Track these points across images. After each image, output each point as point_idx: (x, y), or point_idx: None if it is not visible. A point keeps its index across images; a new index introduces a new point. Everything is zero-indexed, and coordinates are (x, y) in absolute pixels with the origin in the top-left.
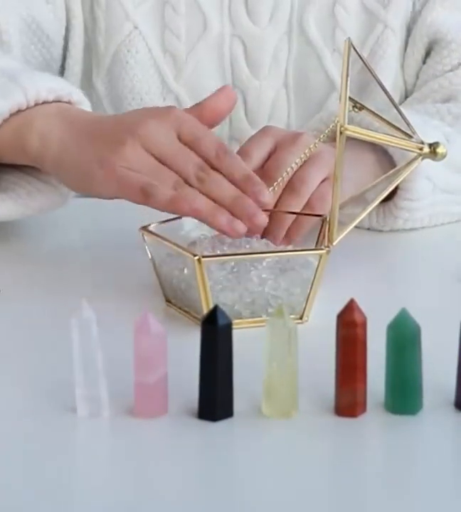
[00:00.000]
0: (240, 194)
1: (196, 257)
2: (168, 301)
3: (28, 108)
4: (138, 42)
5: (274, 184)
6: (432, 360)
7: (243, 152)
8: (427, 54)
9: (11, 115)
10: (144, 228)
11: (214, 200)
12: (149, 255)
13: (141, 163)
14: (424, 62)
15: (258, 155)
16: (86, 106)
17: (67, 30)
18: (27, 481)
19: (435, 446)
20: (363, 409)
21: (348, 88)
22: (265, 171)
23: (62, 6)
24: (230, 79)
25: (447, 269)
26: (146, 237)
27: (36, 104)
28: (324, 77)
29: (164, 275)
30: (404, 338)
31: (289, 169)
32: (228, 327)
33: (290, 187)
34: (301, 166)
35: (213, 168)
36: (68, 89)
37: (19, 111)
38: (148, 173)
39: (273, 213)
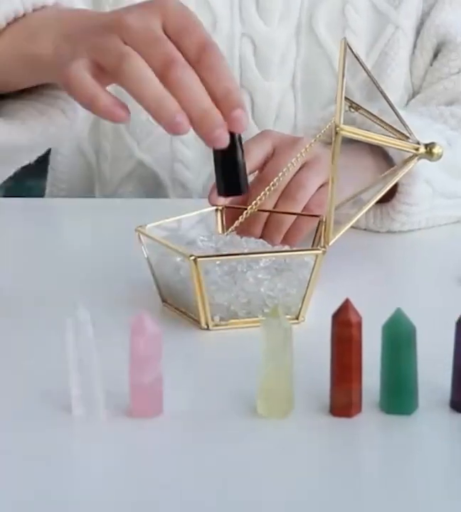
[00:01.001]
0: (209, 108)
1: (192, 258)
2: (164, 301)
3: (24, 15)
4: None
5: (267, 187)
6: (428, 360)
7: None
8: (435, 56)
9: (8, 24)
10: (140, 229)
11: (180, 105)
12: (145, 256)
13: (107, 48)
14: (431, 64)
15: (256, 156)
16: (80, 5)
17: None
18: (24, 481)
19: (430, 446)
20: (359, 409)
21: (344, 88)
22: (264, 174)
23: None
24: (238, 79)
25: (443, 270)
26: (142, 238)
27: (34, 10)
28: (332, 77)
29: (160, 275)
30: (399, 338)
31: (284, 170)
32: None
33: (287, 192)
34: (298, 171)
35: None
36: None
37: (15, 19)
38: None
39: (270, 217)
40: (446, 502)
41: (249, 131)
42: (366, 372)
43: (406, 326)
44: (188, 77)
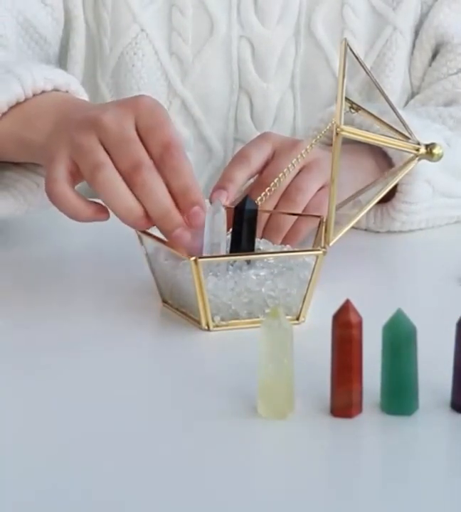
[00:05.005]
0: (169, 209)
1: (193, 258)
2: (164, 301)
3: (26, 100)
4: (145, 45)
5: (266, 189)
6: (428, 361)
7: (242, 156)
8: (433, 56)
9: (10, 108)
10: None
11: (144, 206)
12: (146, 256)
13: (84, 153)
14: (430, 65)
15: (257, 159)
16: (84, 95)
17: (67, 31)
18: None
19: (430, 446)
20: (359, 409)
21: (344, 88)
22: (264, 177)
23: (60, 7)
24: (236, 81)
25: (444, 270)
26: (142, 238)
27: (34, 95)
28: (331, 79)
29: (161, 275)
30: (400, 338)
31: (285, 171)
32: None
33: (287, 196)
34: (298, 173)
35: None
36: (66, 78)
37: (18, 103)
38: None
39: (270, 220)
40: (446, 502)
41: (248, 133)
42: (366, 372)
43: (407, 327)
44: (151, 180)
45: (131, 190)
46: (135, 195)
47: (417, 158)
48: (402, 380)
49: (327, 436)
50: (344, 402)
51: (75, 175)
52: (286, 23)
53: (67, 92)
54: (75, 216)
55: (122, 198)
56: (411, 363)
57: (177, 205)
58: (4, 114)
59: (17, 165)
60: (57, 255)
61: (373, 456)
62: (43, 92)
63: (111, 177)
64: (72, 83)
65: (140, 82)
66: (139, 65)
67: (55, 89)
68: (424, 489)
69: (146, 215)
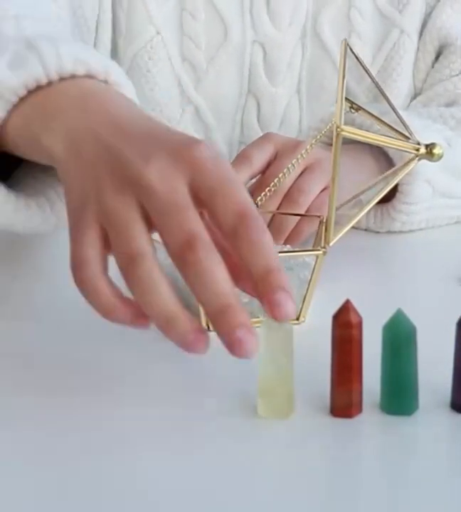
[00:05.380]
0: (229, 305)
1: None
2: None
3: (50, 84)
4: (160, 49)
5: (266, 189)
6: (428, 361)
7: (244, 156)
8: (436, 58)
9: (30, 92)
10: None
11: (194, 294)
12: None
13: (119, 228)
14: (432, 66)
15: (258, 159)
16: (128, 90)
17: (96, 25)
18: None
19: (430, 447)
20: (359, 409)
21: (344, 89)
22: (266, 178)
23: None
24: (246, 85)
25: (444, 270)
26: None
27: (61, 79)
28: (337, 81)
29: None
30: (400, 338)
31: (285, 171)
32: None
33: (289, 197)
34: (300, 175)
35: (221, 243)
36: (105, 63)
37: (39, 87)
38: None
39: (273, 220)
40: (446, 502)
41: (254, 136)
42: (366, 372)
43: (407, 327)
44: (208, 261)
45: (180, 273)
46: (185, 280)
47: (417, 158)
48: (402, 380)
49: (327, 436)
50: (344, 402)
51: (107, 245)
52: (295, 27)
53: (105, 82)
54: (106, 315)
55: (163, 301)
56: (411, 363)
57: (253, 290)
58: (23, 99)
59: (38, 167)
60: (56, 255)
61: (373, 456)
62: (74, 76)
63: (151, 273)
64: (112, 71)
65: (155, 89)
66: (154, 70)
67: (89, 76)
68: (424, 489)
69: (199, 329)
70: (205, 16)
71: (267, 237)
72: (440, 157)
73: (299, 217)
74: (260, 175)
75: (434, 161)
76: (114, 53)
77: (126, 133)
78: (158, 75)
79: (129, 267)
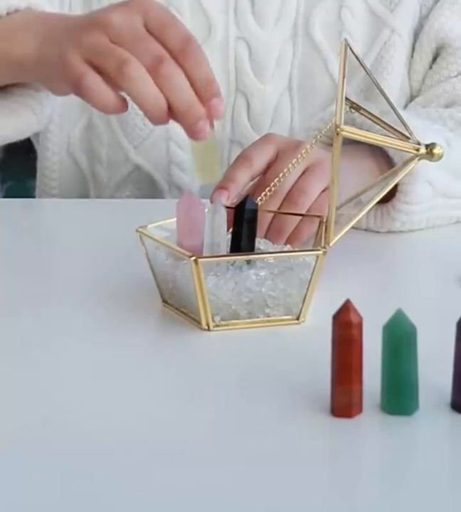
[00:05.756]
0: (194, 102)
1: (193, 258)
2: (164, 301)
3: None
4: None
5: (266, 189)
6: (428, 361)
7: (245, 157)
8: (434, 59)
9: None
10: (141, 229)
11: (166, 98)
12: (146, 256)
13: (104, 51)
14: (430, 68)
15: (259, 161)
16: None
17: None
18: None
19: (430, 446)
20: (359, 409)
21: (344, 89)
22: (266, 179)
23: None
24: (233, 82)
25: (444, 270)
26: (143, 238)
27: (8, 14)
28: (328, 81)
29: (161, 276)
30: (400, 338)
31: (285, 171)
32: None
33: (290, 198)
34: (301, 176)
35: (177, 61)
36: None
37: None
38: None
39: (273, 220)
40: (446, 502)
41: (245, 134)
42: (366, 372)
43: (407, 327)
44: (175, 72)
45: (155, 83)
46: (159, 88)
47: (417, 158)
48: (402, 380)
49: (327, 436)
50: (344, 402)
51: (98, 69)
52: (283, 25)
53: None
54: (105, 108)
55: (150, 92)
56: (411, 363)
57: (199, 96)
58: None
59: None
60: (57, 255)
61: (374, 456)
62: (17, 11)
63: (139, 70)
64: (45, 3)
65: None
66: None
67: (29, 8)
68: (424, 489)
69: (169, 109)
70: (190, 12)
71: (205, 55)
72: (440, 157)
73: (299, 218)
74: (260, 175)
75: (434, 161)
76: None
77: (80, 16)
78: None
79: (121, 68)
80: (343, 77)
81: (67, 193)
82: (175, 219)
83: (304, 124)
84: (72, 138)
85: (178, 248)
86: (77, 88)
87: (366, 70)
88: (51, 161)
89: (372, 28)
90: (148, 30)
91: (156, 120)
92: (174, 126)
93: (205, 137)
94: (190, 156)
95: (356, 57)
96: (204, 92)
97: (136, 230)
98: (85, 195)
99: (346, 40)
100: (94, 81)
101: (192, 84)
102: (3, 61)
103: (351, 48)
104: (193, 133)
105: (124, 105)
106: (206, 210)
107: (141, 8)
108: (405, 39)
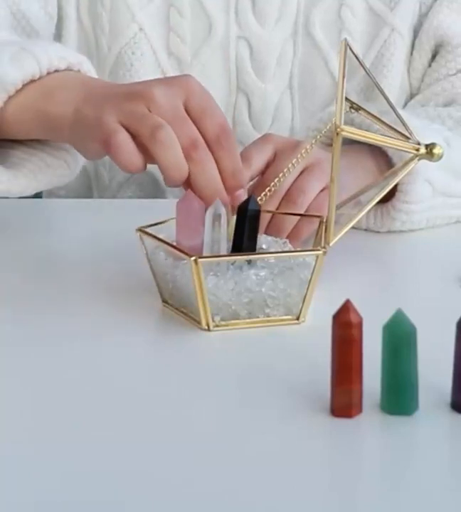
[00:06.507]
0: (219, 191)
1: (193, 258)
2: (164, 301)
3: (40, 77)
4: (143, 44)
5: (266, 190)
6: (428, 361)
7: (243, 157)
8: (433, 57)
9: (24, 85)
10: (141, 229)
11: (192, 181)
12: (146, 256)
13: (140, 117)
14: (429, 66)
15: (258, 161)
16: (94, 75)
17: (59, 28)
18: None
19: (430, 446)
20: (359, 410)
21: (344, 89)
22: (265, 179)
23: (54, 2)
24: (234, 81)
25: (444, 270)
26: (143, 238)
27: (48, 73)
28: (329, 79)
29: (161, 275)
30: (400, 338)
31: (285, 171)
32: None
33: (288, 197)
34: (299, 175)
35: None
36: (79, 58)
37: (32, 81)
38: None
39: (272, 220)
40: (447, 502)
41: (246, 133)
42: (366, 372)
43: (407, 327)
44: (207, 159)
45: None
46: (191, 170)
47: (417, 158)
48: (402, 380)
49: (327, 436)
50: (344, 402)
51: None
52: (284, 24)
53: (79, 71)
54: (127, 167)
55: (176, 161)
56: (411, 363)
57: (225, 184)
58: (19, 91)
59: (22, 144)
60: (57, 255)
61: (373, 456)
62: (56, 71)
63: (171, 137)
64: (84, 63)
65: None
66: (137, 64)
67: (68, 69)
68: (424, 489)
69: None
70: (191, 12)
71: (236, 145)
72: (440, 157)
73: (298, 217)
74: (259, 176)
75: (434, 161)
76: (97, 51)
77: (122, 85)
78: (142, 70)
79: (155, 131)
80: (343, 77)
81: (73, 194)
82: (175, 219)
83: (305, 123)
84: None
85: (178, 248)
86: (107, 145)
87: (366, 70)
88: None
89: (372, 26)
90: (187, 111)
91: (172, 186)
92: None
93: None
94: None
95: (356, 57)
96: (231, 181)
97: (136, 230)
98: (88, 195)
99: (346, 39)
100: (124, 139)
101: (221, 172)
102: (41, 119)
103: (351, 48)
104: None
105: (144, 168)
106: (206, 210)
107: (185, 89)
108: (405, 37)
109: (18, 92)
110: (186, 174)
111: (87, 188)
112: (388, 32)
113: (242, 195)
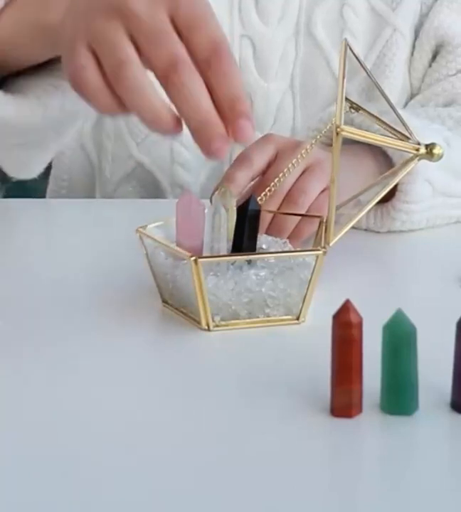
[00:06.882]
0: (210, 119)
1: (193, 258)
2: (164, 301)
3: None
4: None
5: (266, 190)
6: (428, 361)
7: (244, 156)
8: (433, 57)
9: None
10: (141, 229)
11: (178, 113)
12: (146, 256)
13: (107, 44)
14: (430, 66)
15: (259, 160)
16: None
17: None
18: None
19: (430, 446)
20: (359, 409)
21: (344, 89)
22: (265, 179)
23: None
24: None
25: (444, 270)
26: (142, 238)
27: None
28: (331, 79)
29: (161, 276)
30: (400, 338)
31: (285, 171)
32: None
33: (289, 198)
34: (300, 176)
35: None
36: None
37: None
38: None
39: (272, 222)
40: (447, 503)
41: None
42: (366, 372)
43: (407, 327)
44: (191, 82)
45: (166, 91)
46: (170, 97)
47: (417, 158)
48: (402, 380)
49: (327, 436)
50: (344, 402)
51: (100, 64)
52: (286, 23)
53: None
54: (103, 109)
55: (149, 100)
56: (411, 363)
57: (221, 115)
58: (12, 1)
59: (31, 71)
60: (56, 255)
61: (373, 456)
62: None
63: (138, 76)
64: None
65: None
66: None
67: None
68: (424, 489)
69: (178, 120)
70: None
71: (236, 69)
72: (440, 157)
73: (299, 218)
74: (260, 176)
75: (434, 161)
76: None
77: None
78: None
79: (118, 70)
80: (343, 77)
81: (75, 188)
82: (175, 219)
83: (306, 123)
84: (85, 129)
85: (178, 248)
86: (74, 83)
87: (366, 71)
88: (66, 151)
89: (374, 26)
90: (175, 28)
91: (160, 132)
92: None
93: (222, 158)
94: (194, 155)
95: (357, 58)
96: (229, 110)
97: (136, 230)
98: (91, 189)
99: (346, 40)
100: (89, 78)
101: (216, 101)
102: (32, 30)
103: (351, 48)
104: (208, 154)
105: (118, 110)
106: (206, 210)
107: (173, 3)
108: (407, 38)
109: (10, 3)
110: (167, 116)
111: (90, 181)
112: (390, 32)
113: (248, 126)
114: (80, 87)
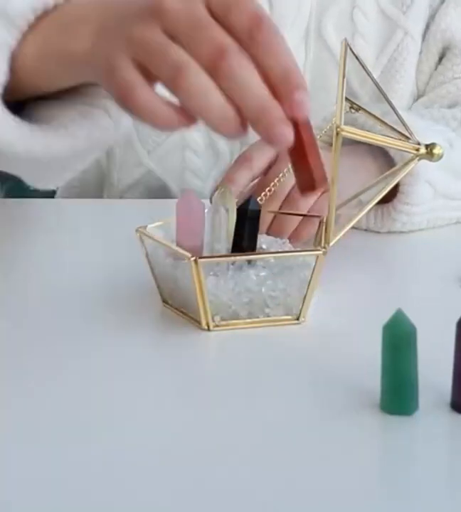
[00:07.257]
0: (267, 103)
1: (193, 258)
2: (164, 301)
3: (56, 6)
4: None
5: (266, 190)
6: (428, 361)
7: (244, 157)
8: (440, 60)
9: (37, 19)
10: (141, 229)
11: (232, 102)
12: (146, 256)
13: (154, 51)
14: (436, 69)
15: (260, 161)
16: None
17: None
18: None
19: (431, 446)
20: (324, 183)
21: (344, 89)
22: (266, 180)
23: None
24: None
25: (444, 270)
26: (143, 238)
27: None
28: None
29: (161, 276)
30: (400, 338)
31: (285, 172)
32: None
33: (290, 199)
34: None
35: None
36: None
37: (46, 12)
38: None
39: (272, 223)
40: (447, 503)
41: (256, 135)
42: (366, 372)
43: (407, 327)
44: (240, 67)
45: (217, 82)
46: (222, 89)
47: (417, 158)
48: (402, 380)
49: (327, 435)
50: (306, 178)
51: (149, 77)
52: (297, 27)
53: None
54: (164, 126)
55: (213, 104)
56: (411, 363)
57: (274, 93)
58: (33, 26)
59: (56, 98)
60: (56, 255)
61: (373, 456)
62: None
63: (199, 78)
64: None
65: None
66: None
67: None
68: (424, 489)
69: (244, 120)
70: None
71: (282, 38)
72: (440, 157)
73: (299, 218)
74: (261, 176)
75: (434, 161)
76: None
77: (134, 1)
78: None
79: (176, 79)
80: (343, 77)
81: (85, 192)
82: (175, 219)
83: (315, 127)
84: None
85: (178, 248)
86: (126, 104)
87: (366, 71)
88: None
89: (385, 29)
90: (212, 15)
91: (230, 135)
92: (191, 133)
93: (286, 144)
94: (204, 161)
95: (356, 58)
96: (282, 86)
97: (136, 230)
98: (99, 194)
99: (345, 40)
100: (145, 96)
101: (266, 78)
102: (56, 58)
103: (351, 49)
104: (271, 142)
105: (186, 117)
106: (206, 210)
107: None
108: (417, 41)
109: (34, 28)
110: (232, 114)
111: (99, 185)
112: (401, 36)
113: (302, 98)
114: (133, 108)
